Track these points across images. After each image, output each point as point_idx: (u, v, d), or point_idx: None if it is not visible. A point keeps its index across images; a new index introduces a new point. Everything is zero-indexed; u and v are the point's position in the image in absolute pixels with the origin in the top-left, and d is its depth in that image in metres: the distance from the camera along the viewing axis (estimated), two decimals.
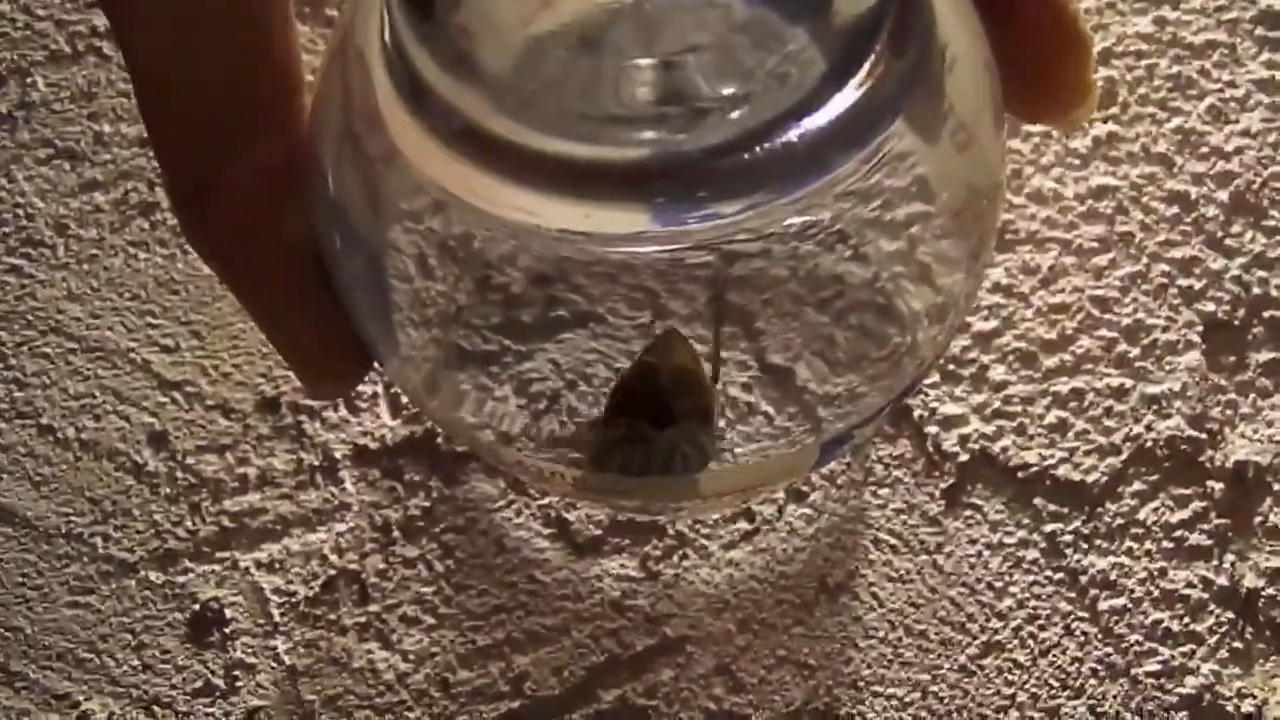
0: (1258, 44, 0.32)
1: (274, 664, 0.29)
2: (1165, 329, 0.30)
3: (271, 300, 0.20)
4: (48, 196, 0.32)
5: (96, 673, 0.29)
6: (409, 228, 0.18)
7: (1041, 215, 0.31)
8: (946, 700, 0.28)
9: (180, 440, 0.30)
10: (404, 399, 0.30)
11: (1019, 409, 0.30)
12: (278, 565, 0.29)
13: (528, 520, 0.29)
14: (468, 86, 0.15)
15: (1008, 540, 0.29)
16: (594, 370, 0.20)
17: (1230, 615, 0.28)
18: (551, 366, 0.20)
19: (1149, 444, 0.29)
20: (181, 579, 0.29)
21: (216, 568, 0.29)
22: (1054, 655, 0.28)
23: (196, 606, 0.29)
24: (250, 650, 0.29)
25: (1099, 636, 0.28)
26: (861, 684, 0.28)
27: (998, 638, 0.28)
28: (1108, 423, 0.29)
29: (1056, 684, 0.28)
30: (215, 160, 0.18)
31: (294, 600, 0.29)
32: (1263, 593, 0.28)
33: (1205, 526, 0.29)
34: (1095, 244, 0.31)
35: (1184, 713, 0.27)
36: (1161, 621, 0.28)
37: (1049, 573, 0.28)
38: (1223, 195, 0.31)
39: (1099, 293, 0.30)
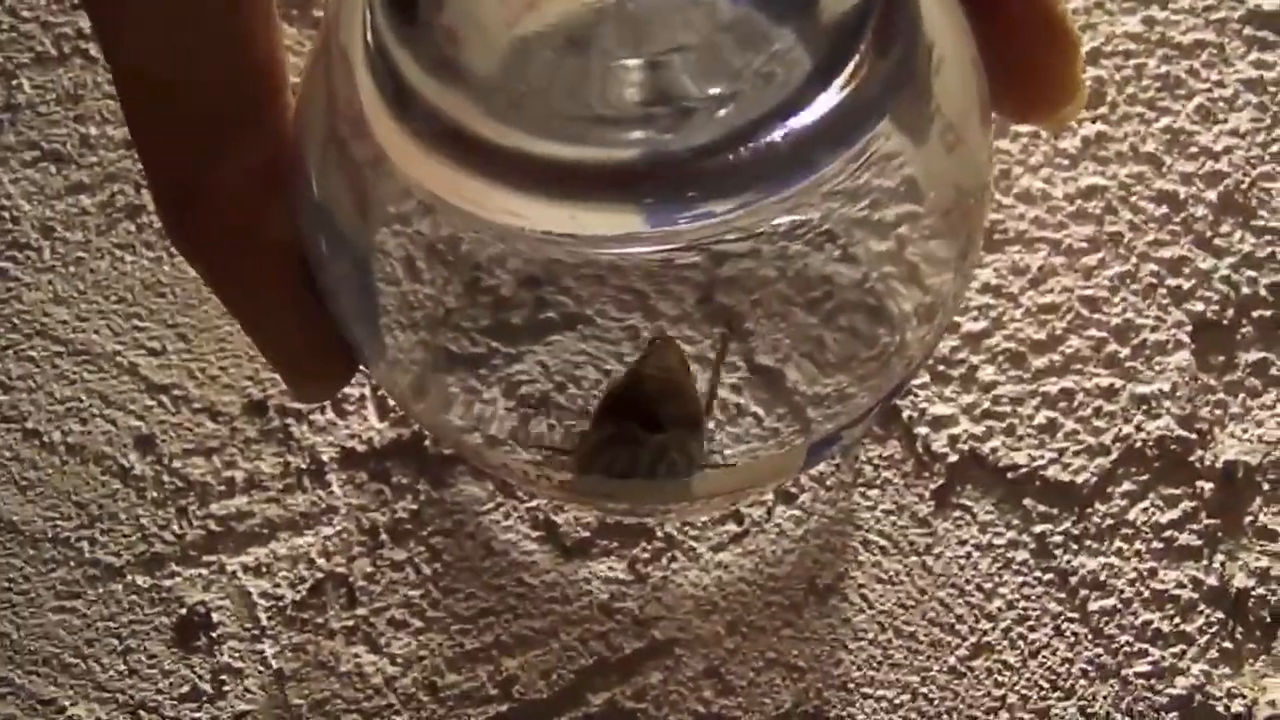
0: (1246, 44, 0.32)
1: (261, 668, 0.28)
2: (1154, 329, 0.30)
3: (256, 302, 0.20)
4: (33, 199, 0.32)
5: (83, 678, 0.29)
6: (396, 231, 0.18)
7: (1030, 215, 0.31)
8: (936, 702, 0.28)
9: (167, 443, 0.30)
10: (391, 402, 0.30)
11: (1008, 409, 0.29)
12: (265, 569, 0.29)
13: (515, 523, 0.29)
14: (452, 89, 0.15)
15: (997, 541, 0.29)
16: (583, 372, 0.20)
17: (1220, 615, 0.28)
18: (540, 369, 0.20)
19: (1138, 444, 0.29)
20: (168, 583, 0.29)
21: (203, 571, 0.29)
22: (1044, 656, 0.28)
23: (183, 610, 0.29)
24: (237, 654, 0.28)
25: (1089, 637, 0.28)
26: (851, 686, 0.28)
27: (987, 639, 0.28)
28: (1097, 423, 0.29)
29: (1047, 685, 0.28)
30: (201, 161, 0.18)
31: (281, 604, 0.29)
32: (1252, 593, 0.28)
33: (1195, 526, 0.29)
34: (1084, 244, 0.31)
35: (1174, 713, 0.27)
36: (1151, 622, 0.28)
37: (1039, 573, 0.28)
38: (1211, 195, 0.31)
39: (1088, 293, 0.30)
